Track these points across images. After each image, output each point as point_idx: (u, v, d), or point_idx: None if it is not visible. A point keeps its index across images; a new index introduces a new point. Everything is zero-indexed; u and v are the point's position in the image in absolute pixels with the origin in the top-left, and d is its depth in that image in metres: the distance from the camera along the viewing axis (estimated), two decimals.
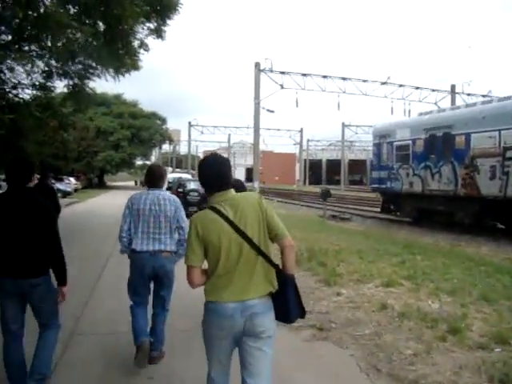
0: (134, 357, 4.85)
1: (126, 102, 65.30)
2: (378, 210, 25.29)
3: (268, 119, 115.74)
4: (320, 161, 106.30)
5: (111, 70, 15.49)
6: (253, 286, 3.17)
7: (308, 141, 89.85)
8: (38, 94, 17.27)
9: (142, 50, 16.08)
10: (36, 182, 8.44)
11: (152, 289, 5.30)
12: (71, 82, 16.78)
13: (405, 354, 5.36)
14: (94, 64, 15.67)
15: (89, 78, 16.67)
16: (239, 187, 3.93)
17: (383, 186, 22.78)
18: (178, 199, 5.31)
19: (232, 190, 3.29)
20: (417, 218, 21.23)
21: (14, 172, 4.12)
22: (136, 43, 15.64)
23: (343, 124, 70.83)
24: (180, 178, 26.50)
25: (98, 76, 16.54)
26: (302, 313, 3.39)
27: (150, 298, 5.34)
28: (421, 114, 22.25)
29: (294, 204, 36.73)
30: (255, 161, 32.99)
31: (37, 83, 16.60)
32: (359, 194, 49.78)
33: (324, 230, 17.70)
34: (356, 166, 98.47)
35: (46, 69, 15.99)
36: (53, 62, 15.65)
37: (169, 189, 25.48)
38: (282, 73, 33.51)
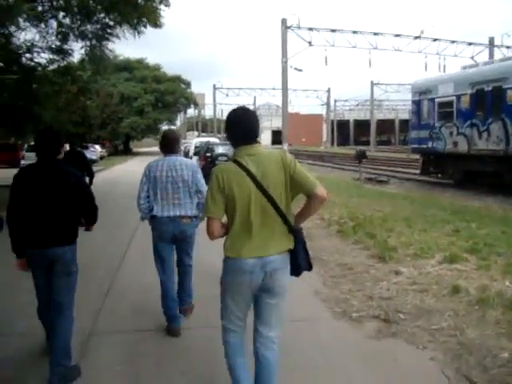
0: (165, 327, 5.11)
1: (149, 67, 63.95)
2: (416, 171, 23.99)
3: (294, 79, 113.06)
4: (347, 121, 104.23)
5: (130, 26, 14.22)
6: (272, 243, 3.17)
7: (335, 101, 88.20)
8: (55, 57, 16.16)
9: (162, 6, 14.86)
10: (67, 150, 9.01)
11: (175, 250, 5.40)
12: (88, 44, 15.61)
13: (501, 358, 4.26)
14: (111, 22, 14.47)
15: (107, 39, 15.47)
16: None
17: (424, 146, 21.25)
18: (195, 163, 5.52)
19: (258, 145, 3.26)
20: (460, 180, 19.81)
21: (42, 144, 4.15)
22: None
23: (372, 82, 68.94)
24: (208, 142, 25.27)
25: (117, 36, 15.36)
26: (310, 267, 3.41)
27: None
28: (465, 67, 20.62)
29: (324, 166, 35.35)
30: (284, 122, 31.79)
31: (53, 46, 15.51)
32: (390, 154, 48.46)
33: (362, 194, 16.59)
34: (384, 126, 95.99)
35: (62, 30, 14.86)
36: (67, 22, 14.51)
37: (196, 154, 24.61)
38: (310, 29, 32.38)
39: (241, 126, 3.25)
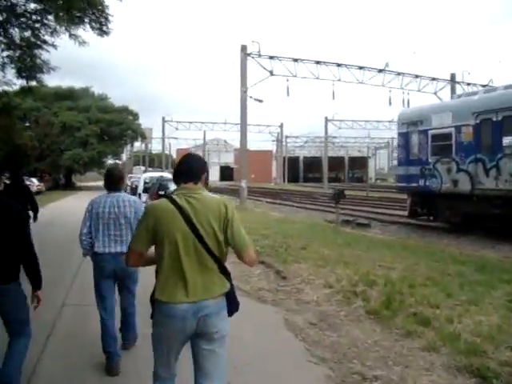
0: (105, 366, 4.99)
1: (94, 96, 60.51)
2: (398, 212, 21.42)
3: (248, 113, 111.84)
4: (297, 158, 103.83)
5: (68, 26, 11.14)
6: (206, 287, 3.12)
7: (286, 137, 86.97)
8: None
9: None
10: (8, 182, 9.22)
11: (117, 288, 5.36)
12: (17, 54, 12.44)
13: None
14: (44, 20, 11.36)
15: (40, 47, 12.31)
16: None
17: (413, 185, 18.58)
18: (138, 200, 5.57)
19: (200, 187, 3.29)
20: (459, 224, 17.29)
21: None
22: None
23: (326, 118, 67.56)
24: (161, 177, 22.25)
25: (52, 45, 12.22)
26: (238, 307, 3.40)
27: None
28: (460, 95, 18.38)
29: (285, 205, 32.72)
30: (242, 158, 29.47)
31: None
32: (358, 192, 46.42)
33: (349, 242, 13.79)
34: (333, 163, 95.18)
35: None
36: None
37: (146, 190, 21.86)
38: (271, 57, 30.67)
39: (183, 165, 3.37)
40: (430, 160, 17.80)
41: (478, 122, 15.75)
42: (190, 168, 3.31)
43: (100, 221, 5.09)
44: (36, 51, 12.63)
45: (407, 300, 7.15)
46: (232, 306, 3.31)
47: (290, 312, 6.86)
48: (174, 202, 3.13)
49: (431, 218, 18.76)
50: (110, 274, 5.13)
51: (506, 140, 14.91)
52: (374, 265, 10.05)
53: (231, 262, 10.13)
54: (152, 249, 3.25)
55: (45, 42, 12.52)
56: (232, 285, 3.32)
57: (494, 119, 15.17)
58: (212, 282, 3.14)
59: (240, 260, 3.24)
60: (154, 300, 3.22)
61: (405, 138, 19.10)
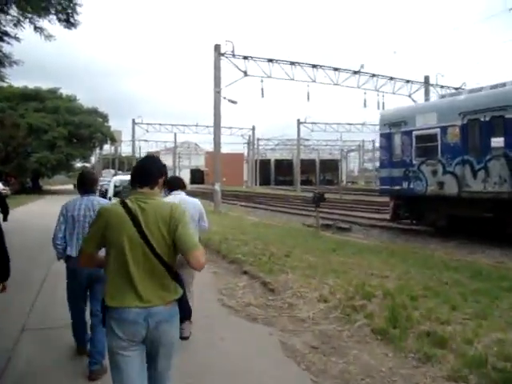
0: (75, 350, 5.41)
1: (63, 97, 58.70)
2: (377, 215, 20.79)
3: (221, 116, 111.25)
4: (269, 161, 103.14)
5: (32, 17, 10.18)
6: (156, 293, 3.07)
7: (258, 139, 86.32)
8: None
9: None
10: None
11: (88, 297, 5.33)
12: None
13: None
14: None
15: (0, 39, 11.30)
16: (175, 186, 4.77)
17: (396, 188, 17.92)
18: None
19: (155, 193, 3.25)
20: (444, 227, 16.70)
21: None
22: None
23: (298, 121, 67.02)
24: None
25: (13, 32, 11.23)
26: (190, 314, 3.84)
27: None
28: (443, 96, 17.79)
29: (260, 209, 31.93)
30: (216, 160, 28.63)
31: None
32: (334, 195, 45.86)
33: (331, 247, 13.09)
34: (304, 165, 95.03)
35: None
36: None
37: (116, 194, 20.84)
38: (246, 58, 29.86)
39: (139, 168, 3.31)
40: (414, 162, 17.18)
41: (464, 122, 15.16)
42: (146, 172, 3.26)
43: (76, 224, 5.12)
44: None
45: (412, 315, 6.46)
46: (184, 312, 3.31)
47: (286, 333, 6.07)
48: (125, 205, 3.09)
49: (414, 221, 18.19)
50: (84, 278, 5.10)
51: (495, 141, 14.36)
52: (366, 273, 9.43)
53: (212, 272, 9.31)
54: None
55: (6, 33, 11.50)
56: (184, 291, 3.29)
57: (482, 119, 14.59)
58: (163, 288, 3.09)
59: (188, 264, 3.10)
60: (105, 306, 3.12)
61: (387, 139, 18.43)
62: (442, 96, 17.99)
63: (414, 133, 17.17)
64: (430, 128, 16.50)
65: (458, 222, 16.13)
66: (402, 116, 18.03)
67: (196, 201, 6.17)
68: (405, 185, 17.39)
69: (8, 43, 11.70)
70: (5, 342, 5.74)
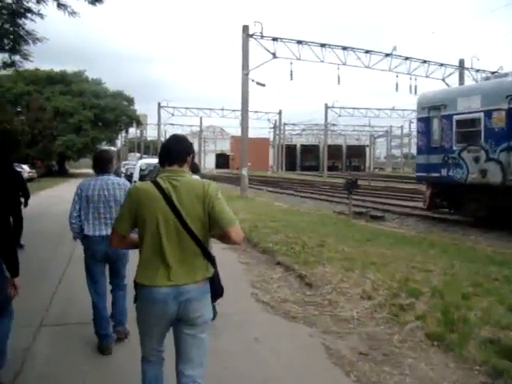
0: (97, 345, 5.10)
1: (88, 80, 58.55)
2: (412, 203, 19.88)
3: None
4: (295, 146, 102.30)
5: None
6: (188, 271, 3.06)
7: (284, 124, 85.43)
8: None
9: None
10: None
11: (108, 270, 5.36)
12: None
13: None
14: None
15: (23, 15, 10.77)
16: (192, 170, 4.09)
17: (434, 175, 16.98)
18: (127, 183, 5.41)
19: (185, 171, 3.23)
20: (485, 218, 15.80)
21: None
22: None
23: (326, 105, 65.99)
24: (158, 164, 20.61)
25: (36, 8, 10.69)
26: (222, 292, 3.34)
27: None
28: (488, 77, 16.79)
29: (287, 194, 31.25)
30: (243, 144, 27.89)
31: None
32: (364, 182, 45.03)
33: (366, 237, 12.43)
34: (330, 151, 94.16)
35: None
36: None
37: (142, 178, 20.38)
38: (275, 39, 29.11)
39: (167, 147, 3.31)
40: (454, 148, 16.23)
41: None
42: (174, 150, 3.25)
43: (90, 204, 5.11)
44: (19, 20, 11.14)
45: (468, 316, 5.78)
46: (216, 291, 3.26)
47: (329, 335, 5.42)
48: (157, 184, 3.08)
49: (452, 210, 17.33)
50: (101, 257, 5.14)
51: None
52: (407, 267, 8.74)
53: (243, 263, 8.70)
54: (137, 231, 3.19)
55: (29, 9, 11.00)
56: (216, 270, 3.24)
57: None
58: (194, 266, 3.08)
59: (226, 240, 3.11)
60: (136, 284, 3.15)
61: (425, 123, 17.45)
62: (487, 78, 16.94)
63: (454, 117, 16.19)
64: (472, 112, 15.51)
65: (499, 213, 15.26)
66: (441, 99, 17.03)
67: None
68: (443, 172, 16.46)
69: (31, 20, 11.23)
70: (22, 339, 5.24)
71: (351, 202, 17.10)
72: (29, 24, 11.69)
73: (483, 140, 15.20)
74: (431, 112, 17.14)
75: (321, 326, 5.74)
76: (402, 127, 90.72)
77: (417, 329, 5.45)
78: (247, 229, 12.96)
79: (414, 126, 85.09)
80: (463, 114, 15.88)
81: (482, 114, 15.14)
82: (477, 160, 15.31)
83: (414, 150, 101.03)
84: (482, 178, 15.13)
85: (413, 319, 5.74)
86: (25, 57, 12.89)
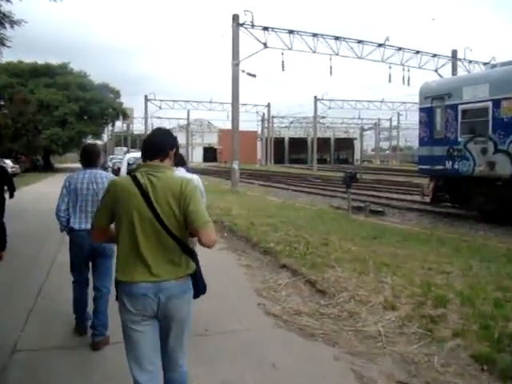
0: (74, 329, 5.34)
1: (73, 73, 57.30)
2: (410, 197, 19.19)
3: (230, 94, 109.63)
4: (283, 139, 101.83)
5: None
6: (167, 267, 3.00)
7: (273, 117, 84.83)
8: None
9: None
10: None
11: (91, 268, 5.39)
12: None
13: None
14: None
15: None
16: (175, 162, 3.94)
17: (438, 168, 16.17)
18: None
19: (166, 166, 3.15)
20: (491, 212, 15.08)
21: None
22: None
23: (315, 98, 65.23)
24: None
25: None
26: (205, 289, 3.31)
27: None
28: (495, 65, 16.01)
29: (280, 188, 30.45)
30: (234, 137, 27.12)
31: None
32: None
33: (371, 234, 11.71)
34: (318, 144, 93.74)
35: None
36: None
37: (130, 173, 19.53)
38: (265, 29, 28.64)
39: (149, 140, 3.23)
40: (459, 139, 15.44)
41: None
42: (156, 144, 3.18)
43: (78, 197, 5.12)
44: None
45: (509, 330, 5.04)
46: (198, 288, 3.20)
47: (357, 357, 4.59)
48: (135, 179, 3.00)
49: (457, 204, 16.62)
50: (86, 251, 5.14)
51: None
52: (423, 268, 8.03)
53: (244, 266, 7.89)
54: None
55: None
56: (198, 266, 3.20)
57: None
58: (173, 263, 3.01)
59: (198, 241, 3.00)
60: (116, 281, 3.09)
61: (428, 114, 16.61)
62: (493, 65, 16.17)
63: (460, 107, 15.38)
64: (479, 101, 14.72)
65: (507, 207, 14.56)
66: (446, 88, 16.21)
67: (196, 177, 5.75)
68: (448, 164, 15.69)
69: (8, 1, 10.34)
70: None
71: (350, 196, 16.35)
72: (5, 5, 10.85)
73: (491, 130, 14.39)
74: (434, 102, 16.30)
75: (344, 344, 4.92)
76: (390, 119, 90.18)
77: (458, 348, 4.66)
78: (244, 226, 12.30)
79: (402, 118, 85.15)
80: (469, 103, 15.04)
81: (490, 104, 14.31)
82: (484, 152, 14.53)
83: (402, 143, 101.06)
84: (490, 170, 14.37)
85: (450, 335, 4.96)
86: (1, 41, 11.99)
